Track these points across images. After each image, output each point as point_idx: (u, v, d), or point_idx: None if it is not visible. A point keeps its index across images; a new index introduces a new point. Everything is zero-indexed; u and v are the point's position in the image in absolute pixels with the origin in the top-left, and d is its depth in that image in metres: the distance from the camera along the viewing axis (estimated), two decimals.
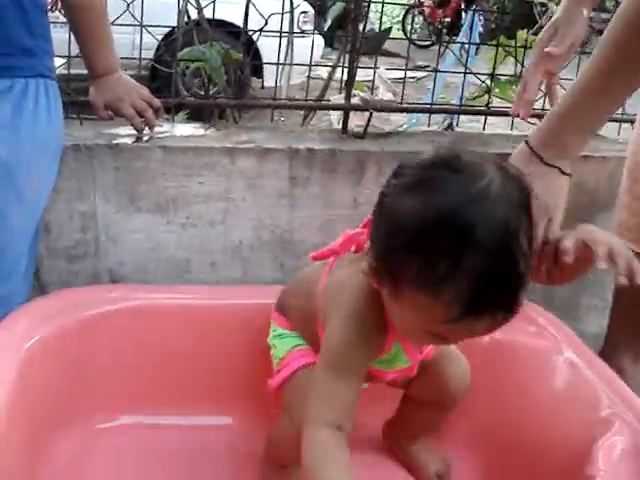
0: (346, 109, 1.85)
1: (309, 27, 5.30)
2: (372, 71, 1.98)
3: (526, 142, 1.21)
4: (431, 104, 2.09)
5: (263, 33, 1.91)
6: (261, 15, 1.93)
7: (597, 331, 2.00)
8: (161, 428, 1.52)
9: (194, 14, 1.99)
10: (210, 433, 1.53)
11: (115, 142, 1.65)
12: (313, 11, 6.01)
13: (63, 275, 1.70)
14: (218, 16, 1.94)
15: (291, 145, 1.72)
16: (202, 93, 2.06)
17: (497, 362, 1.46)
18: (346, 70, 1.90)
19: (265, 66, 4.51)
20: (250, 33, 2.01)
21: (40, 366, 1.34)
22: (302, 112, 2.19)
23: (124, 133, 1.68)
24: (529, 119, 2.03)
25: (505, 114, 2.05)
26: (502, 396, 1.45)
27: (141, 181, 1.67)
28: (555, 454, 1.29)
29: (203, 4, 1.93)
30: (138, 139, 1.66)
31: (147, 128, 1.66)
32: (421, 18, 11.60)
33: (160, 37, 2.08)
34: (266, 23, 1.89)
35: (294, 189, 1.73)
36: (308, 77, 2.05)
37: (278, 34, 2.00)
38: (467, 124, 2.72)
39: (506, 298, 0.91)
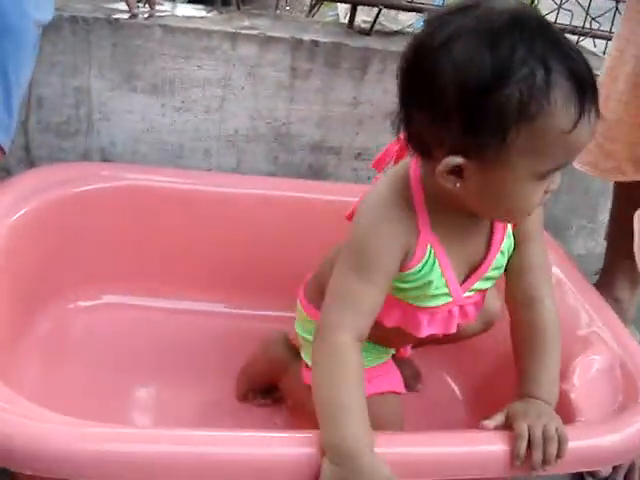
0: (354, 3, 1.79)
1: None
2: None
3: None
4: (442, 6, 2.01)
5: None
6: None
7: (583, 252, 2.02)
8: (145, 309, 1.54)
9: None
10: (200, 318, 1.55)
11: (114, 17, 1.59)
12: None
13: (54, 151, 1.67)
14: None
15: (295, 35, 1.67)
16: None
17: None
18: None
19: None
20: None
21: (27, 239, 1.34)
22: (306, 6, 2.13)
23: (124, 8, 1.62)
24: None
25: None
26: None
27: (138, 60, 1.62)
28: None
29: None
30: (132, 16, 1.60)
31: (147, 5, 1.61)
32: None
33: None
34: None
35: (294, 81, 1.69)
36: None
37: None
38: None
39: (595, 96, 0.89)
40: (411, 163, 1.03)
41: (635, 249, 1.41)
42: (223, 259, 1.54)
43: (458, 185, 0.93)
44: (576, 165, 1.58)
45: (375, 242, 1.00)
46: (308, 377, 1.12)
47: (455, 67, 0.87)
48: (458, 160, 0.90)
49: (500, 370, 1.35)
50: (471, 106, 0.86)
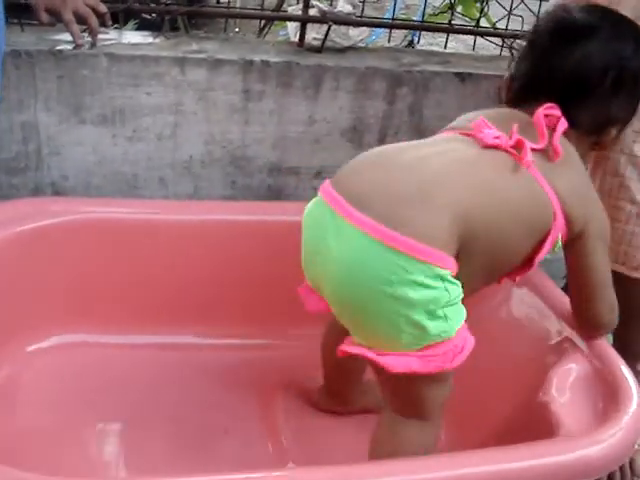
0: (303, 20, 1.77)
1: None
2: None
3: None
4: (392, 19, 2.00)
5: None
6: None
7: (548, 256, 1.99)
8: (102, 346, 1.48)
9: None
10: (162, 351, 1.50)
11: (58, 48, 1.55)
12: None
13: (3, 188, 1.62)
14: None
15: (245, 57, 1.64)
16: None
17: None
18: None
19: None
20: None
21: None
22: (257, 26, 2.11)
23: (68, 39, 1.57)
24: (492, 39, 1.98)
25: (467, 32, 1.99)
26: None
27: (86, 91, 1.57)
28: (508, 384, 1.29)
29: None
30: (76, 47, 1.56)
31: (91, 36, 1.57)
32: None
33: None
34: None
35: (248, 103, 1.66)
36: None
37: None
38: (426, 47, 2.65)
39: None
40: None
41: None
42: (182, 288, 1.50)
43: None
44: None
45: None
46: (402, 364, 1.01)
47: None
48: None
49: (474, 386, 1.32)
50: None
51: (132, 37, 1.70)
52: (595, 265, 1.18)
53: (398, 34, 2.34)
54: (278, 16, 1.94)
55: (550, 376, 1.18)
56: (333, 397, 1.40)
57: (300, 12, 1.81)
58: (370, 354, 1.02)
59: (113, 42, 1.64)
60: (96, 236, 1.45)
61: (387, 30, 2.04)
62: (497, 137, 1.09)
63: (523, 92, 1.21)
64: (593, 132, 1.21)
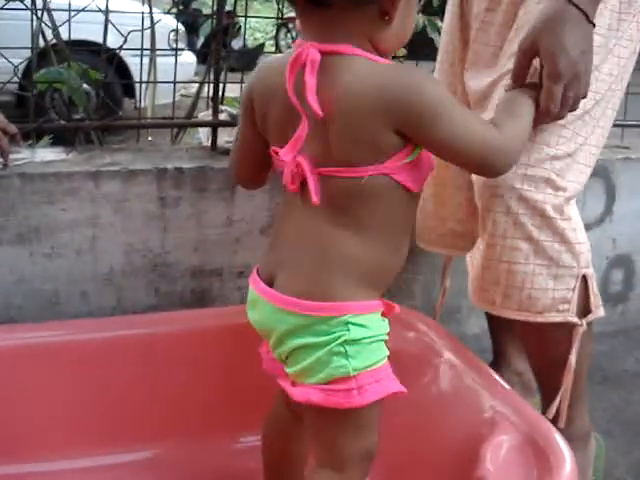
0: (213, 125, 1.81)
1: (181, 45, 5.22)
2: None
3: None
4: None
5: (134, 52, 1.86)
6: (120, 33, 1.87)
7: (478, 331, 2.03)
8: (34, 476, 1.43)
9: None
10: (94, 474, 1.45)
11: None
12: (184, 29, 5.98)
13: None
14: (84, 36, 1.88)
15: (158, 165, 1.67)
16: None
17: None
18: (212, 86, 1.87)
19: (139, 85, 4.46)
20: (117, 51, 1.94)
21: None
22: (173, 131, 2.15)
23: None
24: None
25: None
26: (385, 406, 1.44)
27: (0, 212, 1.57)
28: (442, 460, 1.29)
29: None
30: None
31: (2, 157, 1.58)
32: (294, 33, 11.67)
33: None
34: (125, 41, 1.83)
35: (165, 210, 1.67)
36: (173, 95, 2.00)
37: (146, 52, 1.95)
38: None
39: None
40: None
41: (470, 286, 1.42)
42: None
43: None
44: (440, 250, 1.63)
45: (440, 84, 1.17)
46: (302, 393, 1.08)
47: None
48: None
49: (410, 465, 1.32)
50: None
51: (45, 154, 1.71)
52: (454, 142, 1.05)
53: None
54: (189, 123, 1.99)
55: (484, 450, 1.18)
56: None
57: (210, 117, 1.86)
58: (283, 382, 1.13)
59: (25, 161, 1.64)
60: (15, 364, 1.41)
61: None
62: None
63: None
64: (357, 8, 1.02)
